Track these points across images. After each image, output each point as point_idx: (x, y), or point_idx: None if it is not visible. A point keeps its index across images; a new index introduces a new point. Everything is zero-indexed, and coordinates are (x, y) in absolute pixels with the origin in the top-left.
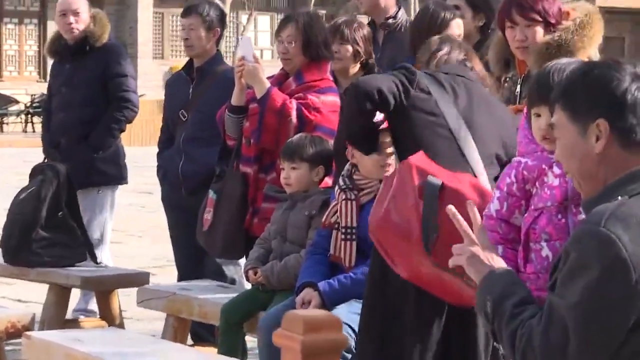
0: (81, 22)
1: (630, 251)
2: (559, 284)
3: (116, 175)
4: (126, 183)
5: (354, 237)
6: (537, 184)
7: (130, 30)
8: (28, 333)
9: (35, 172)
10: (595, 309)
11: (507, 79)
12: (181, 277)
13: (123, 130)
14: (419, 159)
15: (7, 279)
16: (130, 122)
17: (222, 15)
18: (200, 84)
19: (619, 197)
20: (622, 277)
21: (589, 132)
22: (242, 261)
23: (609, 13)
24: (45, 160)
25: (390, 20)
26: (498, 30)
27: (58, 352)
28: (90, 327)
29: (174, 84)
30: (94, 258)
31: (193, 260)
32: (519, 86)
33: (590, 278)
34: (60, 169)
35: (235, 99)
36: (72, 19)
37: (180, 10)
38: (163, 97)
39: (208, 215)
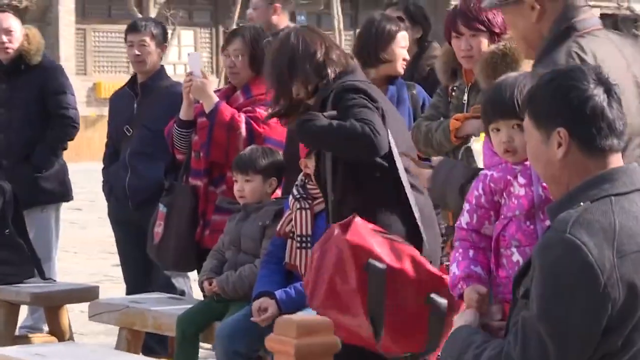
0: (15, 40)
1: (596, 256)
2: (531, 297)
3: (61, 192)
4: (72, 199)
5: (309, 245)
6: (504, 194)
7: (51, 46)
8: None
9: None
10: (568, 316)
11: (455, 88)
12: (130, 291)
13: (65, 148)
14: (354, 233)
15: None
16: (72, 139)
17: (166, 32)
18: (145, 99)
19: (581, 203)
20: (590, 282)
21: (551, 139)
22: (192, 273)
23: None
24: None
25: None
26: (444, 42)
27: None
28: (41, 343)
29: (118, 99)
30: (41, 274)
31: (142, 273)
32: (466, 95)
33: (559, 285)
34: (6, 187)
35: (183, 114)
36: (4, 38)
37: (103, 26)
38: (88, 114)
39: (159, 229)
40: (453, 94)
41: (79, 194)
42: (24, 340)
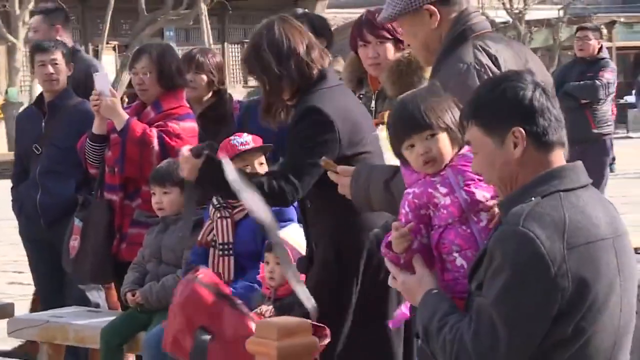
0: None
1: (547, 247)
2: (485, 286)
3: None
4: None
5: (231, 252)
6: (430, 206)
7: None
8: None
9: None
10: (520, 303)
11: (361, 95)
12: (46, 307)
13: None
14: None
15: None
16: None
17: (71, 52)
18: (53, 117)
19: (532, 198)
20: (542, 272)
21: (507, 141)
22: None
23: None
24: None
25: None
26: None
27: None
28: None
29: (25, 118)
30: None
31: (56, 289)
32: (373, 102)
33: (512, 274)
34: None
35: (96, 128)
36: None
37: None
38: None
39: (75, 243)
40: (360, 101)
41: None
42: None
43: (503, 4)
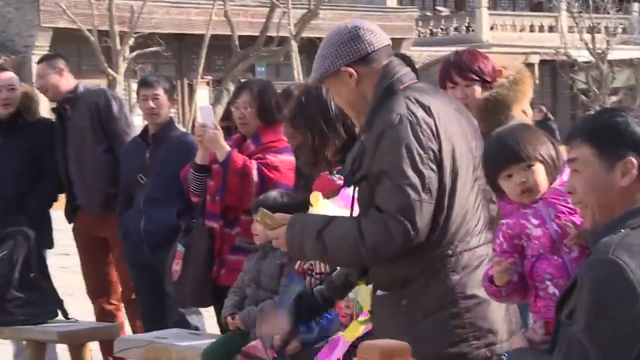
0: (15, 97)
1: (637, 276)
2: (576, 314)
3: (47, 240)
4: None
5: None
6: (522, 237)
7: None
8: None
9: (7, 237)
10: (610, 329)
11: None
12: (148, 328)
13: (56, 200)
14: None
15: None
16: (62, 192)
17: (174, 87)
18: (157, 149)
19: (622, 230)
20: (631, 299)
21: (616, 168)
22: (204, 310)
23: None
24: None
25: (71, 96)
26: None
27: None
28: None
29: (130, 150)
30: (65, 314)
31: (157, 311)
32: None
33: (602, 301)
34: (30, 234)
35: (199, 159)
36: (5, 94)
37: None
38: None
39: (177, 267)
40: None
41: (61, 239)
42: None
43: (586, 43)
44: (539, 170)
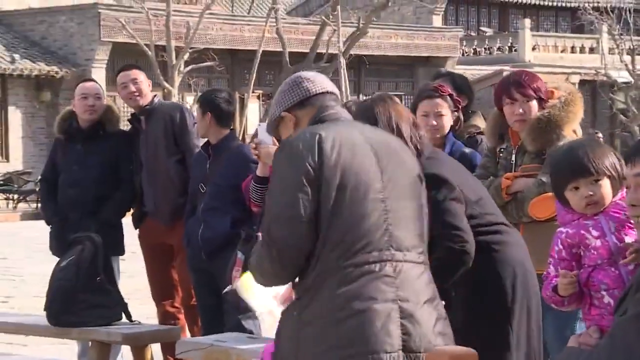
0: (100, 105)
1: None
2: (629, 311)
3: (119, 246)
4: (124, 253)
5: None
6: (581, 247)
7: None
8: None
9: (75, 242)
10: None
11: (502, 149)
12: (206, 331)
13: (129, 210)
14: None
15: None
16: (136, 202)
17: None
18: (216, 160)
19: None
20: None
21: None
22: (259, 314)
23: None
24: (51, 227)
25: (148, 107)
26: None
27: None
28: None
29: (196, 160)
30: (129, 317)
31: (215, 316)
32: (514, 155)
33: None
34: (97, 239)
35: (259, 171)
36: (92, 102)
37: None
38: None
39: (237, 274)
40: (500, 155)
41: None
42: None
43: (626, 65)
44: (606, 185)
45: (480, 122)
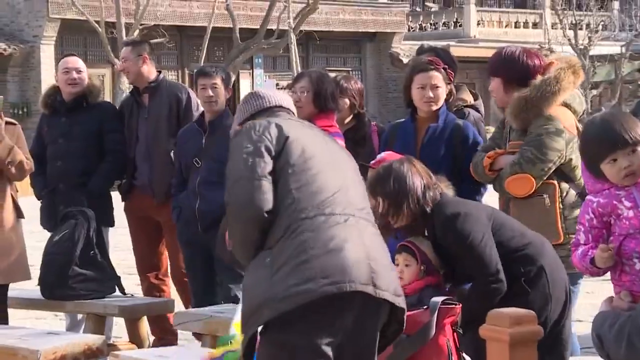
0: (82, 78)
1: None
2: None
3: (107, 218)
4: (113, 225)
5: None
6: (612, 216)
7: (34, 89)
8: (116, 352)
9: (67, 216)
10: None
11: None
12: (198, 303)
13: (119, 180)
14: None
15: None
16: (124, 172)
17: (230, 77)
18: (213, 135)
19: None
20: None
21: None
22: None
23: (461, 62)
24: (41, 201)
25: (153, 84)
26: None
27: None
28: (125, 349)
29: (186, 135)
30: (122, 290)
31: (209, 288)
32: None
33: None
34: (90, 213)
35: None
36: (75, 75)
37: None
38: None
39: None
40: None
41: None
42: (112, 347)
43: (569, 39)
44: None
45: (466, 95)
